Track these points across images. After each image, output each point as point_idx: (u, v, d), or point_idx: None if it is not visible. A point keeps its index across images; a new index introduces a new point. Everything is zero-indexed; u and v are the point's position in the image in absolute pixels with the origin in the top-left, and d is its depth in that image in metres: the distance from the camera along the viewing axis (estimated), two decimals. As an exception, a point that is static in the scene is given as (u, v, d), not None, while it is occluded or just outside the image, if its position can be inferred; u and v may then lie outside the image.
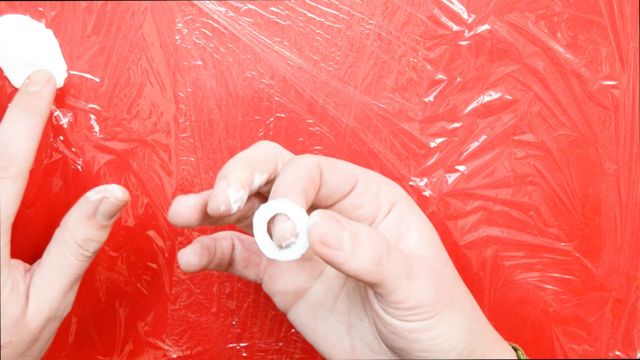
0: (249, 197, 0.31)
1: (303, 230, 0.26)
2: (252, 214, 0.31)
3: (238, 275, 0.34)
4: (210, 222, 0.29)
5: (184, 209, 0.28)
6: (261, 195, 0.32)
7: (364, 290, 0.33)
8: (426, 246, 0.31)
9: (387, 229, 0.31)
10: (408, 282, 0.27)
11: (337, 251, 0.26)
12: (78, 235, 0.33)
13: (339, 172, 0.30)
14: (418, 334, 0.28)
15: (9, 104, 0.34)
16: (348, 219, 0.27)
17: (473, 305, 0.31)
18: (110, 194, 0.33)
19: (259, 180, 0.29)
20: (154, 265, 0.40)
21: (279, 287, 0.34)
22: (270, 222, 0.27)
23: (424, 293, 0.28)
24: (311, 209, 0.32)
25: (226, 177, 0.27)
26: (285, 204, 0.27)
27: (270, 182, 0.30)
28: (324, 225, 0.26)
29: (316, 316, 0.33)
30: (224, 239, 0.34)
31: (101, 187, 0.33)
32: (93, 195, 0.33)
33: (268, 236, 0.27)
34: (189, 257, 0.31)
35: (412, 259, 0.28)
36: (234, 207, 0.27)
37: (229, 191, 0.27)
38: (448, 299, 0.29)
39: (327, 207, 0.31)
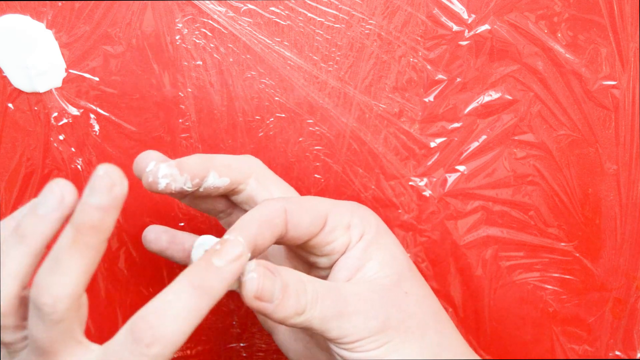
0: (214, 197, 0.33)
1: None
2: (205, 205, 0.34)
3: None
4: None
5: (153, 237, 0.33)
6: (229, 200, 0.34)
7: None
8: (385, 275, 0.31)
9: (350, 258, 0.31)
10: (339, 322, 0.28)
11: (266, 304, 0.27)
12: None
13: (308, 214, 0.30)
14: None
15: (182, 273, 0.26)
16: (280, 266, 0.29)
17: (442, 335, 0.31)
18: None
19: (214, 180, 0.31)
20: (153, 266, 0.40)
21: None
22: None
23: (361, 327, 0.29)
24: (282, 249, 0.33)
25: (176, 161, 0.30)
26: (212, 241, 0.29)
27: (237, 193, 0.32)
28: (260, 281, 0.27)
29: (296, 339, 0.34)
30: (190, 238, 0.35)
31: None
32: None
33: None
34: (150, 234, 0.34)
35: (351, 297, 0.29)
36: (162, 182, 0.29)
37: (160, 165, 0.29)
38: (400, 328, 0.29)
39: (300, 245, 0.31)
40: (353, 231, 0.32)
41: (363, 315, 0.29)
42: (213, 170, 0.31)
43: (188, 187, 0.30)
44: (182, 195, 0.31)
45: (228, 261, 0.26)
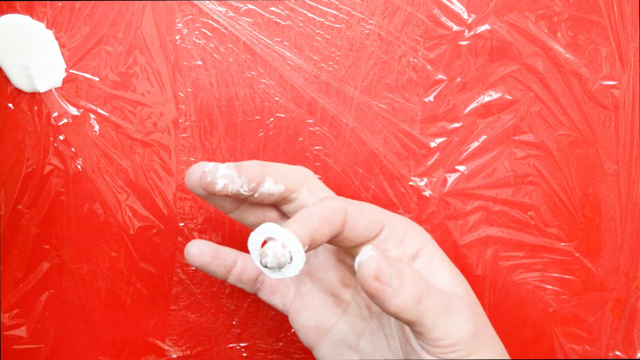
0: (264, 207, 0.33)
1: (295, 252, 0.28)
2: (254, 217, 0.33)
3: (266, 302, 0.35)
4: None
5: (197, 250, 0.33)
6: (279, 212, 0.34)
7: (393, 329, 0.33)
8: (457, 285, 0.32)
9: (420, 271, 0.32)
10: (446, 319, 0.28)
11: (386, 287, 0.27)
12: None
13: (366, 218, 0.31)
14: None
15: None
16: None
17: (500, 346, 0.32)
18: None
19: (270, 186, 0.30)
20: (153, 266, 0.40)
21: (301, 321, 0.34)
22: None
23: (462, 330, 0.28)
24: (333, 250, 0.33)
25: (235, 164, 0.30)
26: (274, 229, 0.28)
27: (289, 202, 0.32)
28: (379, 260, 0.27)
29: (340, 354, 0.34)
30: (232, 254, 0.35)
31: None
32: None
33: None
34: (193, 248, 0.34)
35: (450, 297, 0.29)
36: (220, 182, 0.29)
37: (219, 165, 0.29)
38: (483, 337, 0.29)
39: (350, 249, 0.32)
40: (407, 246, 0.32)
41: (463, 317, 0.29)
42: (269, 176, 0.31)
43: (244, 190, 0.30)
44: (237, 199, 0.31)
45: None
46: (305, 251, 0.28)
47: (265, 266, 0.28)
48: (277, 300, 0.35)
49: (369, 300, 0.34)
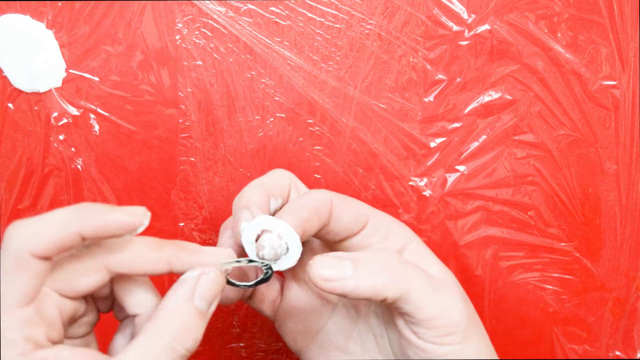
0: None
1: (291, 242, 0.28)
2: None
3: (256, 309, 0.35)
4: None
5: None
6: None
7: (382, 329, 0.33)
8: (448, 276, 0.32)
9: None
10: (435, 296, 0.28)
11: (342, 281, 0.27)
12: (172, 325, 0.26)
13: (351, 210, 0.31)
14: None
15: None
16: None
17: (489, 341, 0.32)
18: (209, 270, 0.27)
19: (274, 206, 0.30)
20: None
21: (289, 326, 0.34)
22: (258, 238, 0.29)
23: (455, 309, 0.28)
24: (321, 244, 0.33)
25: (247, 207, 0.29)
26: (268, 221, 0.28)
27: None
28: (321, 261, 0.27)
29: (328, 357, 0.33)
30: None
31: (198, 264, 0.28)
32: (190, 273, 0.27)
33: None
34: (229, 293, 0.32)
35: (439, 280, 0.29)
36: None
37: (259, 220, 0.29)
38: (475, 324, 0.29)
39: (335, 244, 0.32)
40: (391, 241, 0.32)
41: (454, 297, 0.29)
42: (272, 197, 0.30)
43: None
44: None
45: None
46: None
47: (263, 259, 0.28)
48: (265, 307, 0.35)
49: (356, 301, 0.34)
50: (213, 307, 0.27)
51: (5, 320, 0.24)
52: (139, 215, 0.25)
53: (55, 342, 0.26)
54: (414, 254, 0.32)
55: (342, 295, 0.27)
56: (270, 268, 0.29)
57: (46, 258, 0.25)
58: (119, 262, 0.27)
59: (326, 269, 0.27)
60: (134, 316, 0.29)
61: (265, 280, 0.29)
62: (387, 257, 0.28)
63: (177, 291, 0.27)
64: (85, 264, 0.27)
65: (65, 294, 0.27)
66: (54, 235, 0.24)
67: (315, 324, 0.34)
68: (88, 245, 0.27)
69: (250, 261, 0.28)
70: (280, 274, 0.35)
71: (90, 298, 0.29)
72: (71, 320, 0.28)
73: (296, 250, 0.28)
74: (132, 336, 0.29)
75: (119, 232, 0.25)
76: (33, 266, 0.25)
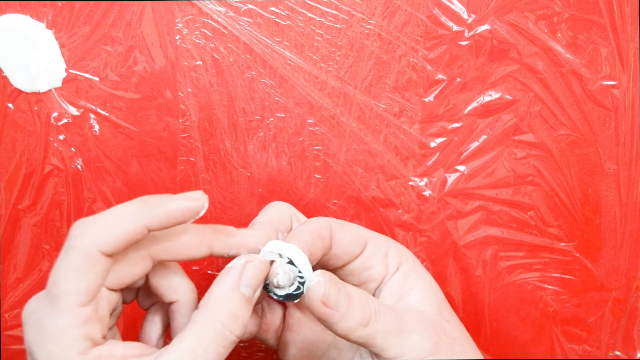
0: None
1: (301, 265, 0.29)
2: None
3: (259, 339, 0.35)
4: None
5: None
6: None
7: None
8: (429, 304, 0.32)
9: (392, 287, 0.32)
10: (399, 339, 0.29)
11: (333, 311, 0.27)
12: (221, 312, 0.26)
13: (350, 233, 0.32)
14: None
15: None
16: (345, 281, 0.29)
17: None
18: (253, 258, 0.28)
19: (280, 237, 0.31)
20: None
21: (292, 352, 0.34)
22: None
23: (418, 347, 0.29)
24: (322, 269, 0.33)
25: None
26: (278, 246, 0.29)
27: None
28: (326, 285, 0.27)
29: None
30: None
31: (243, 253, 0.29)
32: (236, 262, 0.28)
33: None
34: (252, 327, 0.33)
35: (407, 317, 0.30)
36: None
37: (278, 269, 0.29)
38: (448, 351, 0.30)
39: (338, 269, 0.32)
40: (390, 260, 0.32)
41: (420, 335, 0.29)
42: (280, 233, 0.31)
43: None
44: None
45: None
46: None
47: (277, 286, 0.28)
48: (270, 336, 0.35)
49: None
50: (258, 293, 0.28)
51: (68, 318, 0.25)
52: (199, 199, 0.26)
53: (104, 337, 0.26)
54: (401, 277, 0.32)
55: (322, 321, 0.28)
56: (302, 283, 0.29)
57: (112, 255, 0.26)
58: (163, 250, 0.28)
59: (329, 295, 0.27)
60: (169, 303, 0.30)
61: (298, 296, 0.29)
62: (367, 304, 0.29)
63: (224, 279, 0.27)
64: (132, 255, 0.27)
65: (111, 286, 0.27)
66: (124, 231, 0.25)
67: (318, 349, 0.34)
68: None
69: (290, 262, 0.29)
70: (283, 303, 0.35)
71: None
72: (113, 313, 0.28)
73: (310, 275, 0.28)
74: (163, 323, 0.31)
75: (183, 218, 0.26)
76: (101, 264, 0.25)
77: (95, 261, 0.25)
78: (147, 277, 0.29)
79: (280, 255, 0.29)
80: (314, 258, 0.30)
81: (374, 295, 0.33)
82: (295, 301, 0.29)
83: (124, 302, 0.30)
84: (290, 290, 0.29)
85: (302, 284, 0.29)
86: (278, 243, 0.29)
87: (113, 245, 0.25)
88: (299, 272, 0.29)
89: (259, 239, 0.29)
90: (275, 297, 0.29)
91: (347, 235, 0.31)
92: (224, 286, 0.27)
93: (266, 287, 0.29)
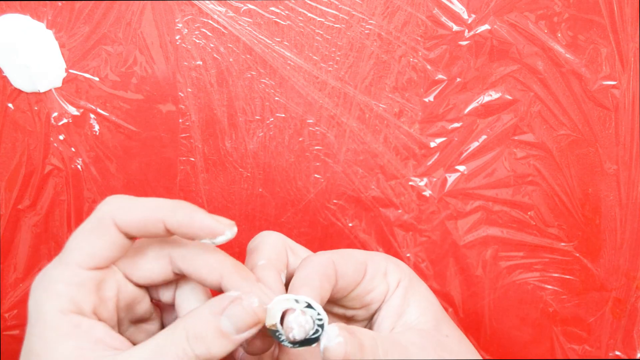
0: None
1: (315, 315, 0.28)
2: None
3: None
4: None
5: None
6: None
7: None
8: (426, 321, 0.32)
9: (391, 306, 0.32)
10: None
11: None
12: (189, 328, 0.25)
13: (351, 262, 0.31)
14: None
15: None
16: (347, 308, 0.30)
17: None
18: (247, 298, 0.26)
19: (283, 277, 0.30)
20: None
21: None
22: (283, 315, 0.28)
23: None
24: (330, 301, 0.33)
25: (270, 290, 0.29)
26: (289, 299, 0.28)
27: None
28: (347, 346, 0.27)
29: None
30: None
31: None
32: (231, 292, 0.27)
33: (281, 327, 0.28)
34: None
35: (410, 347, 0.30)
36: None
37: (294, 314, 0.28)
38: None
39: (343, 297, 0.32)
40: (390, 278, 0.32)
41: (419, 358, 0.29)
42: (282, 273, 0.30)
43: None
44: None
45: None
46: None
47: (293, 341, 0.27)
48: (265, 357, 0.34)
49: None
50: (243, 335, 0.26)
51: (63, 273, 0.25)
52: (224, 225, 0.26)
53: (102, 320, 0.26)
54: (400, 294, 0.32)
55: None
56: (321, 326, 0.28)
57: (127, 235, 0.26)
58: (181, 256, 0.28)
59: (349, 354, 0.27)
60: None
61: (315, 340, 0.28)
62: (375, 347, 0.28)
63: (210, 301, 0.26)
64: (152, 249, 0.28)
65: (129, 275, 0.27)
66: (140, 215, 0.26)
67: None
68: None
69: (309, 306, 0.28)
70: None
71: (159, 309, 0.29)
72: (128, 308, 0.28)
73: (326, 322, 0.27)
74: None
75: (200, 232, 0.26)
76: (111, 235, 0.26)
77: (105, 229, 0.26)
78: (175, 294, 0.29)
79: (297, 301, 0.28)
80: (324, 300, 0.29)
81: (374, 314, 0.33)
82: (313, 345, 0.28)
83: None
84: (308, 335, 0.28)
85: (321, 326, 0.28)
86: (286, 297, 0.27)
87: (126, 222, 0.26)
88: (318, 314, 0.27)
89: (267, 297, 0.27)
90: (289, 346, 0.28)
91: (349, 267, 0.31)
92: (206, 306, 0.26)
93: (277, 336, 0.28)
